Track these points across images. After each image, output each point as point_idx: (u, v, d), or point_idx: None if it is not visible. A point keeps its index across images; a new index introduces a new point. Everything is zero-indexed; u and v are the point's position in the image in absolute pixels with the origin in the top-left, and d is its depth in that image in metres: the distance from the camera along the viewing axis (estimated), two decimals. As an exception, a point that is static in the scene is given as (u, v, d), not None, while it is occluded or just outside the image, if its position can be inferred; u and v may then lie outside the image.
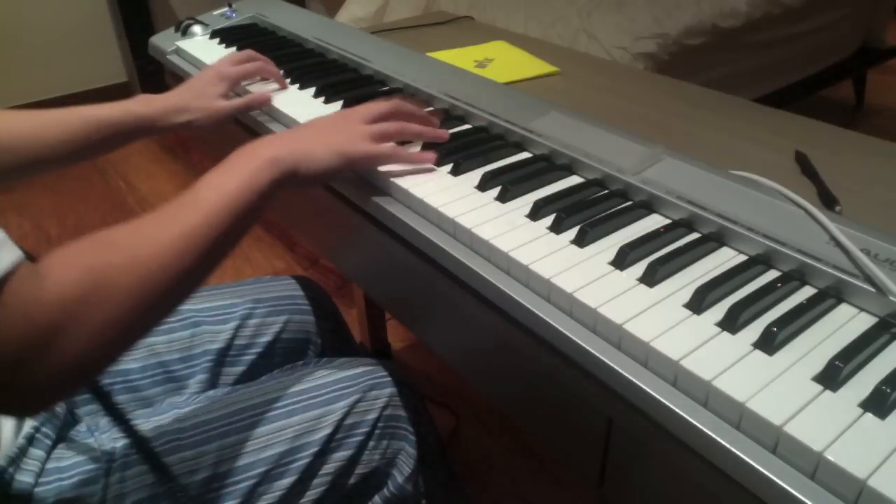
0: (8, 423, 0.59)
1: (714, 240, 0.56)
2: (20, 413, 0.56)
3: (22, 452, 0.59)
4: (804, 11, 2.00)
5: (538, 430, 0.62)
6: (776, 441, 0.39)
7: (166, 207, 0.53)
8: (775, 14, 1.92)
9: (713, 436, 0.40)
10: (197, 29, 1.12)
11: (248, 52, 0.88)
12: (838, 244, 0.51)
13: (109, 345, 0.46)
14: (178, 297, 0.52)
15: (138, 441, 0.62)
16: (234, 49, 1.03)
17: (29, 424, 0.61)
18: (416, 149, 0.70)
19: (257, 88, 0.88)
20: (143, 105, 0.78)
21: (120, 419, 0.63)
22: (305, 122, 0.69)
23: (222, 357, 0.80)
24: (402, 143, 0.71)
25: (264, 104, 0.84)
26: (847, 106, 2.61)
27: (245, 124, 0.87)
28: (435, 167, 0.67)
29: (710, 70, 1.82)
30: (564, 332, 0.48)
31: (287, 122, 0.81)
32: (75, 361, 0.43)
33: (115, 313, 0.45)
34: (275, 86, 0.89)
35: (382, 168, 0.66)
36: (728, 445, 0.40)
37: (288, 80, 0.90)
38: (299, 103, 0.83)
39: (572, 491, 1.25)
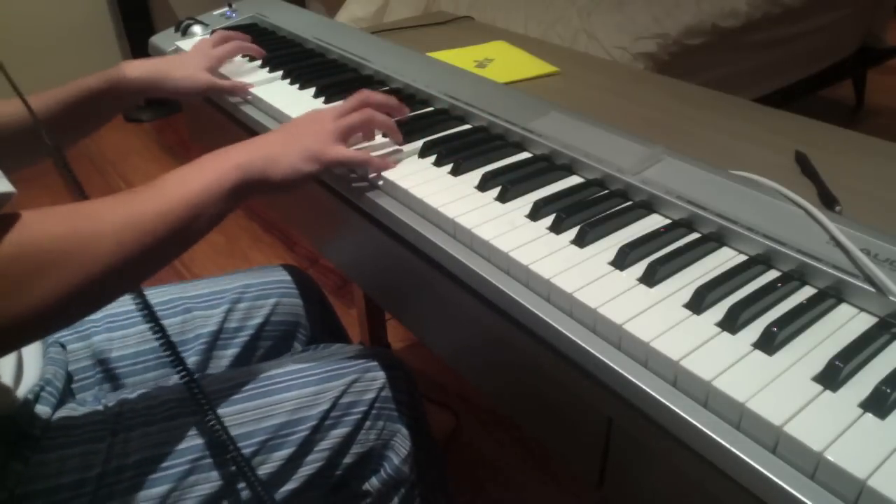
0: (6, 375, 0.60)
1: (714, 240, 0.56)
2: None
3: (29, 405, 0.60)
4: (804, 11, 2.00)
5: (538, 430, 0.62)
6: (776, 441, 0.39)
7: (124, 193, 0.53)
8: (775, 14, 1.92)
9: (713, 436, 0.40)
10: (197, 29, 1.12)
11: (222, 33, 0.93)
12: (838, 244, 0.51)
13: (35, 310, 0.46)
14: (117, 280, 0.52)
15: (143, 406, 0.64)
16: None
17: (32, 382, 0.63)
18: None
19: (233, 70, 0.93)
20: (128, 69, 0.82)
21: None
22: (278, 126, 0.69)
23: (214, 340, 0.82)
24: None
25: (244, 92, 0.88)
26: (847, 106, 2.61)
27: (247, 126, 0.87)
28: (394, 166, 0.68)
29: (710, 70, 1.82)
30: (564, 332, 0.48)
31: (287, 122, 0.81)
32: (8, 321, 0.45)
33: (41, 279, 0.46)
34: (252, 74, 0.92)
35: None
36: (728, 445, 0.40)
37: (287, 81, 0.90)
38: (300, 104, 0.83)
39: (572, 491, 1.25)
